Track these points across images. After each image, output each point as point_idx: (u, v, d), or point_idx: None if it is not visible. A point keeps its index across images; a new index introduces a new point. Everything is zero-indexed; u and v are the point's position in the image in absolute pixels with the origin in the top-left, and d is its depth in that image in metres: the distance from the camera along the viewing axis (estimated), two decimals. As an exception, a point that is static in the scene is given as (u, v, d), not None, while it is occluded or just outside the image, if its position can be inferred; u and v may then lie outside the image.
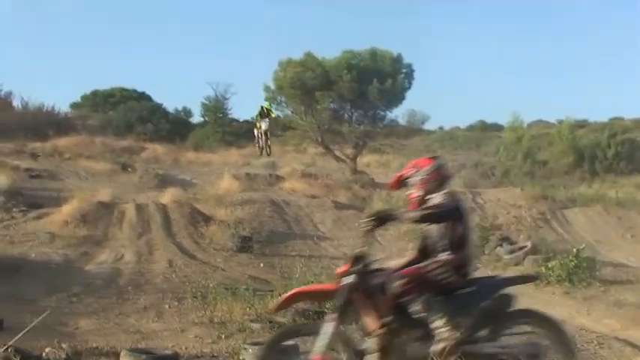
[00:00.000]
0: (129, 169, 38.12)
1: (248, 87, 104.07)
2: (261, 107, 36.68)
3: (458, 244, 7.43)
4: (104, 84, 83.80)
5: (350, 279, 7.18)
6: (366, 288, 7.33)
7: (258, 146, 37.78)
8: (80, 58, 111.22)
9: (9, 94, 55.43)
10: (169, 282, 18.53)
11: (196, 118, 65.05)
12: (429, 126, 62.27)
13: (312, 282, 15.67)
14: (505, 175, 41.61)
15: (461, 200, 7.81)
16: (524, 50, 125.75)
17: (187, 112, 65.94)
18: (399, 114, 69.68)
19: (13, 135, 45.04)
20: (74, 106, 62.80)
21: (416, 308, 7.10)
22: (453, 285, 7.32)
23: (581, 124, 57.01)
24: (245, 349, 11.27)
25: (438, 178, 7.99)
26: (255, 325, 13.78)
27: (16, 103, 55.03)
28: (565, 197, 32.71)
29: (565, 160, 46.25)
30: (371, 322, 7.04)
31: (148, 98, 62.32)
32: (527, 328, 7.41)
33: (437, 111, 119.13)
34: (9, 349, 6.78)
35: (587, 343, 13.35)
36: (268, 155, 38.01)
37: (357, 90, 37.74)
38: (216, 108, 62.23)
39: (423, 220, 7.66)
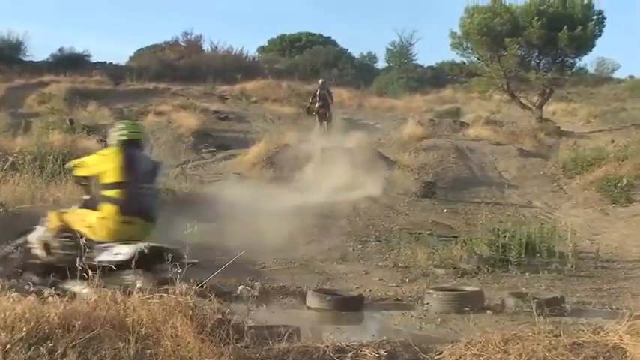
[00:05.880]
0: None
1: (433, 33, 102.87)
2: None
3: None
4: (291, 28, 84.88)
5: None
6: None
7: None
8: (268, 2, 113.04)
9: (199, 37, 57.17)
10: (353, 225, 18.67)
11: (381, 64, 65.15)
12: (618, 74, 59.96)
13: (498, 229, 15.45)
14: (696, 126, 39.50)
15: None
16: None
17: (372, 58, 66.08)
18: (587, 62, 67.23)
19: (202, 78, 46.47)
20: (261, 50, 63.99)
21: None
22: None
23: None
24: (429, 293, 11.23)
25: None
26: (439, 271, 13.73)
27: (206, 46, 56.68)
28: None
29: None
30: None
31: (334, 43, 62.71)
32: None
33: (627, 59, 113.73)
34: (204, 286, 6.94)
35: None
36: None
37: (546, 37, 36.57)
38: (400, 54, 62.02)
39: None
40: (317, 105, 30.00)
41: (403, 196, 22.31)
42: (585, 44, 37.54)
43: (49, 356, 5.92)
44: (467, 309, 10.43)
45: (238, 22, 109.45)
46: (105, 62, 51.60)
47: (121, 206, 7.82)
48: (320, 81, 31.27)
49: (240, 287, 6.81)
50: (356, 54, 63.27)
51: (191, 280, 6.78)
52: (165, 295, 6.45)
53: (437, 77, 55.76)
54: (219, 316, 6.51)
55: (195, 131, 30.85)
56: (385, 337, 6.72)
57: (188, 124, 31.36)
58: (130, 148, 8.40)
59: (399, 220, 19.38)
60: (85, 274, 6.88)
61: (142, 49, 58.30)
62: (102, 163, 8.19)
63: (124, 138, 8.44)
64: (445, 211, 21.48)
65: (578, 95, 48.79)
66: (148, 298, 6.40)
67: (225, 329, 6.23)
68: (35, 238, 8.49)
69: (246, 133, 33.09)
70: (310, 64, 55.63)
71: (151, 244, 7.55)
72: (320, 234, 17.39)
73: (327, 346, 6.28)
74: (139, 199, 7.99)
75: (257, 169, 24.50)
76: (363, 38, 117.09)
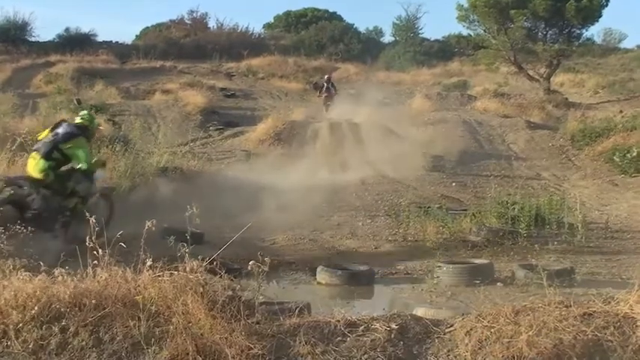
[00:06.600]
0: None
1: (439, 6, 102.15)
2: None
3: None
4: (297, 4, 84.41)
5: None
6: None
7: None
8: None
9: (204, 15, 56.96)
10: (362, 199, 18.62)
11: (387, 38, 64.81)
12: (626, 44, 59.68)
13: (507, 202, 15.43)
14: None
15: None
16: None
17: (378, 32, 65.77)
18: (594, 32, 67.06)
19: (208, 55, 46.44)
20: (267, 26, 63.82)
21: None
22: None
23: None
24: (439, 267, 11.23)
25: None
26: (449, 244, 13.71)
27: (212, 24, 56.52)
28: None
29: None
30: None
31: (339, 18, 62.44)
32: None
33: (635, 29, 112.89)
34: (213, 262, 6.94)
35: None
36: None
37: (553, 7, 36.42)
38: (407, 27, 61.69)
39: None
40: (324, 95, 32.18)
41: (412, 170, 22.24)
42: (592, 14, 37.35)
43: (60, 335, 5.95)
44: (477, 282, 10.43)
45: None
46: (111, 41, 51.53)
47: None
48: (326, 77, 34.12)
49: (250, 263, 6.79)
50: (362, 29, 63.11)
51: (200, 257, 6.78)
52: (176, 272, 6.45)
53: (443, 50, 55.42)
54: (230, 292, 6.51)
55: (202, 109, 30.82)
56: (396, 311, 6.70)
57: (195, 102, 31.34)
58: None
59: (407, 194, 19.28)
60: None
61: (147, 27, 58.27)
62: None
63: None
64: (454, 184, 21.44)
65: (585, 66, 48.57)
66: (159, 276, 6.41)
67: (236, 306, 6.24)
68: None
69: (253, 110, 33.07)
70: (316, 40, 55.49)
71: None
72: (329, 209, 17.35)
73: (338, 321, 6.29)
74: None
75: (265, 145, 24.50)
76: (369, 13, 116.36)
